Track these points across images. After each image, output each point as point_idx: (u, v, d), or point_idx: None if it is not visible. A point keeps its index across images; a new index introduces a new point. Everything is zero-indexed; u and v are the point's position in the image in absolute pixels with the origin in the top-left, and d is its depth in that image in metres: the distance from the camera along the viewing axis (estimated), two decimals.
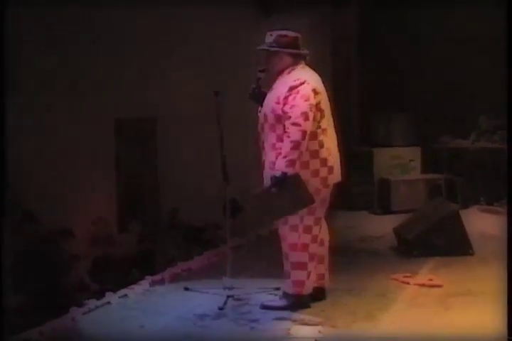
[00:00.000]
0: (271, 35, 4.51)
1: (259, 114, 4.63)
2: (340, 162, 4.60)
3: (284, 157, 4.28)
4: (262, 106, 4.56)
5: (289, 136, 4.29)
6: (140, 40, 7.91)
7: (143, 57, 7.96)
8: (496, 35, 8.60)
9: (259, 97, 4.57)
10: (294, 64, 4.52)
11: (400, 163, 8.82)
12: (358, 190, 8.70)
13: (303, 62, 4.56)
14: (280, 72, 4.51)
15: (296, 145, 4.27)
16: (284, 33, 4.51)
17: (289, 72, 4.49)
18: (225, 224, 5.17)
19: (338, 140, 4.61)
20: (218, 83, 5.57)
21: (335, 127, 4.61)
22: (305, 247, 4.47)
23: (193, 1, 7.88)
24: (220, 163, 4.80)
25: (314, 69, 4.59)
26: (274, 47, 4.48)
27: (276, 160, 4.36)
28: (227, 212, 5.03)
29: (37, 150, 6.93)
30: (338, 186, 4.62)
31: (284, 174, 4.26)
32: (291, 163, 4.27)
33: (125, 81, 7.83)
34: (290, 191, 4.28)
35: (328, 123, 4.51)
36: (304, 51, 4.57)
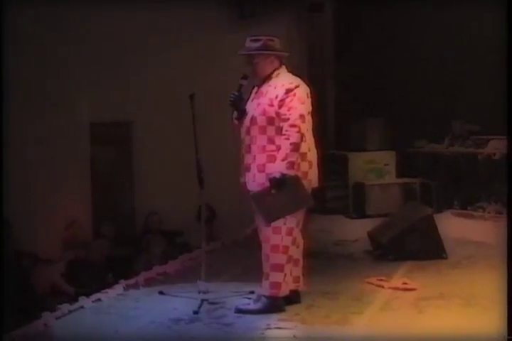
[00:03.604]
0: (256, 40, 4.54)
1: (235, 121, 4.66)
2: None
3: (284, 159, 4.33)
4: (241, 112, 4.57)
5: (288, 138, 4.35)
6: (115, 44, 7.89)
7: (118, 61, 7.94)
8: (473, 38, 8.72)
9: (241, 104, 4.59)
10: (280, 67, 4.59)
11: (375, 167, 8.85)
12: (333, 194, 8.72)
13: (283, 65, 4.62)
14: (267, 76, 4.56)
15: (295, 147, 4.34)
16: (270, 37, 4.57)
17: (276, 75, 4.55)
18: (199, 229, 5.16)
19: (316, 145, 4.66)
20: (194, 86, 5.55)
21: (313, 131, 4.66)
22: (286, 249, 4.50)
23: (169, 4, 7.87)
24: (196, 167, 4.78)
25: (292, 73, 4.64)
26: (265, 50, 4.52)
27: (266, 162, 4.41)
28: (202, 217, 5.03)
29: (11, 153, 6.87)
30: (313, 190, 4.64)
31: (284, 175, 4.30)
32: (292, 164, 4.33)
33: (101, 85, 7.80)
34: (289, 192, 4.33)
35: (310, 127, 4.57)
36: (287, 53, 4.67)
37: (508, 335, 3.73)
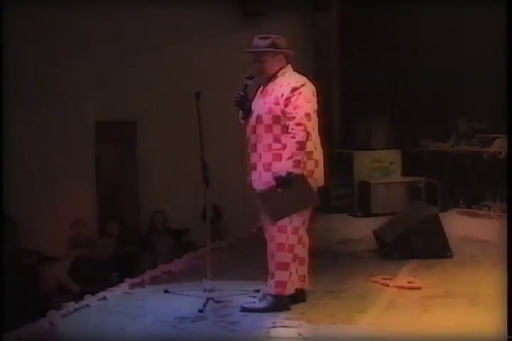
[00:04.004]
0: (265, 37, 4.56)
1: (241, 121, 4.67)
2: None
3: (290, 158, 4.33)
4: (247, 111, 4.58)
5: (294, 137, 4.35)
6: (119, 43, 7.90)
7: (122, 61, 7.95)
8: (478, 36, 8.71)
9: (246, 103, 4.59)
10: (286, 65, 4.60)
11: (380, 165, 8.85)
12: (338, 192, 8.72)
13: (289, 63, 4.63)
14: (273, 75, 4.57)
15: (301, 146, 4.34)
16: (277, 35, 4.59)
17: (282, 74, 4.56)
18: (204, 228, 5.16)
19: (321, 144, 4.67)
20: (198, 85, 5.56)
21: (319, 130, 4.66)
22: (291, 248, 4.50)
23: (172, 3, 7.87)
24: (201, 166, 4.78)
25: (297, 72, 4.65)
26: (275, 48, 4.53)
27: (272, 161, 4.42)
28: (208, 215, 5.03)
29: (17, 153, 6.89)
30: (319, 188, 4.64)
31: (290, 174, 4.30)
32: (298, 163, 4.33)
33: (105, 84, 7.81)
34: (296, 191, 4.33)
35: (316, 125, 4.57)
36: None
37: (509, 335, 3.72)
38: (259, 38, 4.58)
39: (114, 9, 7.52)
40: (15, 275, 6.13)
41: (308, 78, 4.59)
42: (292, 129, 4.37)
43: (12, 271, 6.11)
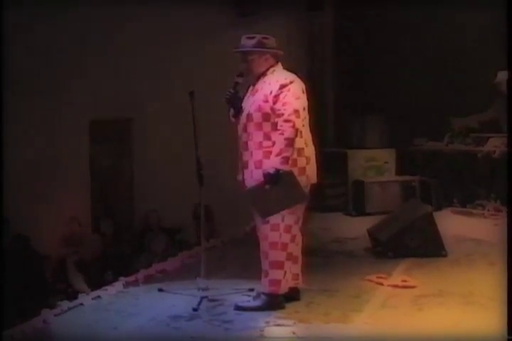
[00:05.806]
0: (251, 37, 4.57)
1: (231, 118, 4.68)
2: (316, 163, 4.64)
3: (278, 154, 4.32)
4: (237, 109, 4.58)
5: (282, 134, 4.34)
6: (115, 40, 7.88)
7: (118, 58, 7.94)
8: (473, 36, 8.74)
9: (237, 101, 4.60)
10: (275, 64, 4.60)
11: (375, 164, 8.86)
12: (333, 191, 8.72)
13: (279, 62, 4.62)
14: (263, 73, 4.57)
15: (290, 143, 4.33)
16: (265, 35, 4.59)
17: (272, 72, 4.57)
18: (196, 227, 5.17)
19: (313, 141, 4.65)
20: (193, 84, 5.56)
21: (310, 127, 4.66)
22: (284, 246, 4.50)
23: (168, 1, 7.87)
24: (195, 165, 4.78)
25: (288, 70, 4.65)
26: (260, 48, 4.54)
27: (263, 158, 4.41)
28: (202, 214, 5.03)
29: (11, 151, 6.87)
30: (312, 187, 4.64)
31: (278, 171, 4.29)
32: (286, 160, 4.32)
33: (101, 83, 7.80)
34: (284, 188, 4.32)
35: (307, 122, 4.57)
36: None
37: (508, 335, 3.72)
38: (246, 38, 4.59)
39: (112, 8, 7.50)
40: (9, 274, 6.11)
41: (301, 76, 4.59)
42: (281, 126, 4.37)
43: (6, 270, 6.09)
